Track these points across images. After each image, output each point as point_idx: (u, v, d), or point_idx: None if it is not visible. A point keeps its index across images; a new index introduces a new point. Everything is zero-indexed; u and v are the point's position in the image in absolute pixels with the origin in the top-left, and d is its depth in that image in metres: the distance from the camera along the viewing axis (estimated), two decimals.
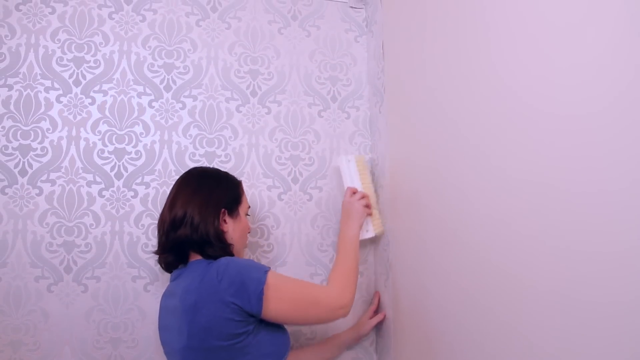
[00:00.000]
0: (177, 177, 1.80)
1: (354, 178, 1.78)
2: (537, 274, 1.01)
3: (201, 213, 1.45)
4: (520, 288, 1.06)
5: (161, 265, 1.52)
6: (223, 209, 1.50)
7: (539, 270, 1.00)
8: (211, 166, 1.77)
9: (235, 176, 1.65)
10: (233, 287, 1.29)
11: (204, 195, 1.49)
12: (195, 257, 1.47)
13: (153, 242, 1.77)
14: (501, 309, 1.13)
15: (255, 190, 1.88)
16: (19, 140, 1.73)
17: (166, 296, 1.47)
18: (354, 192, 1.76)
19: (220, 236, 1.47)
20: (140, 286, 1.75)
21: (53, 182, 1.73)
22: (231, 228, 1.52)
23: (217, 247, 1.45)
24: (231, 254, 1.48)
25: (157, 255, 1.53)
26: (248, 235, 1.72)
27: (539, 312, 1.00)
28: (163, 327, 1.44)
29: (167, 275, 1.76)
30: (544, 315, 0.99)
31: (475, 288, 1.24)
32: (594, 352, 0.85)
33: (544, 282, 0.99)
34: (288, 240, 1.89)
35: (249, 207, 1.64)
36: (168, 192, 1.79)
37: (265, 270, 1.36)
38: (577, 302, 0.90)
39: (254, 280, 1.32)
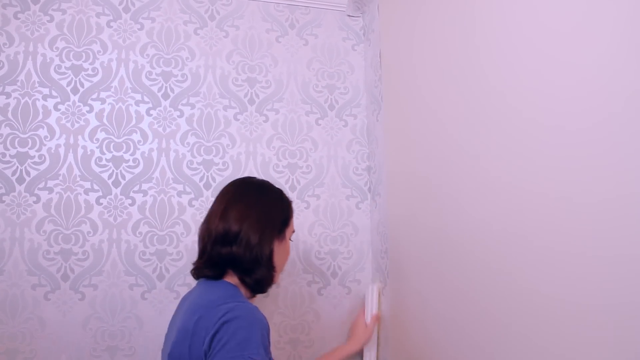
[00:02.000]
0: (175, 185, 1.81)
1: (374, 306, 1.80)
2: (537, 278, 1.01)
3: (259, 232, 1.34)
4: (519, 292, 1.06)
5: (192, 273, 1.40)
6: (277, 230, 1.40)
7: (538, 274, 1.00)
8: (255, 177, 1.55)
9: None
10: (218, 345, 1.16)
11: (263, 213, 1.37)
12: (231, 275, 1.35)
13: (151, 250, 1.77)
14: (498, 311, 1.13)
15: None
16: (16, 147, 1.73)
17: (186, 296, 1.42)
18: (377, 320, 1.79)
19: (272, 260, 1.37)
20: (137, 294, 1.74)
21: (50, 190, 1.73)
22: (277, 251, 1.40)
23: (266, 271, 1.35)
24: (272, 279, 1.39)
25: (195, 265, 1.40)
26: None
27: (540, 316, 1.00)
28: (169, 325, 1.40)
29: (165, 284, 1.76)
30: (545, 319, 0.99)
31: (474, 292, 1.25)
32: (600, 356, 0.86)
33: (544, 285, 0.99)
34: None
35: (294, 231, 1.52)
36: (166, 200, 1.80)
37: (260, 355, 1.18)
38: (575, 305, 0.90)
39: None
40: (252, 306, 1.23)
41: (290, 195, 1.91)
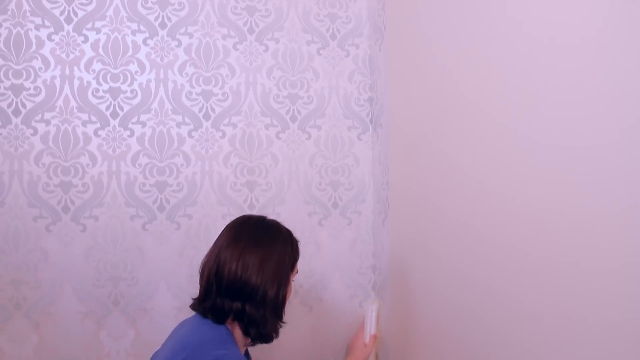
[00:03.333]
0: (174, 116, 1.78)
1: (373, 325, 1.77)
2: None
3: (275, 286, 1.30)
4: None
5: (191, 307, 1.36)
6: (288, 277, 1.36)
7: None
8: (263, 217, 1.48)
9: None
10: None
11: (279, 262, 1.33)
12: (231, 321, 1.31)
13: (150, 182, 1.76)
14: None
15: (253, 129, 1.85)
16: (10, 79, 1.69)
17: (183, 322, 1.39)
18: (375, 340, 1.76)
19: (283, 311, 1.35)
20: (138, 225, 1.74)
21: (48, 122, 1.71)
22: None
23: (274, 324, 1.33)
24: (278, 331, 1.36)
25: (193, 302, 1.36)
26: None
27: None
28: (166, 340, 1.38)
29: (166, 214, 1.76)
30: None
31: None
32: None
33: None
34: (286, 179, 1.87)
35: (297, 271, 1.45)
36: (165, 131, 1.77)
37: None
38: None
39: None
40: (241, 357, 1.23)
41: (291, 126, 1.88)
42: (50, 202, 1.69)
